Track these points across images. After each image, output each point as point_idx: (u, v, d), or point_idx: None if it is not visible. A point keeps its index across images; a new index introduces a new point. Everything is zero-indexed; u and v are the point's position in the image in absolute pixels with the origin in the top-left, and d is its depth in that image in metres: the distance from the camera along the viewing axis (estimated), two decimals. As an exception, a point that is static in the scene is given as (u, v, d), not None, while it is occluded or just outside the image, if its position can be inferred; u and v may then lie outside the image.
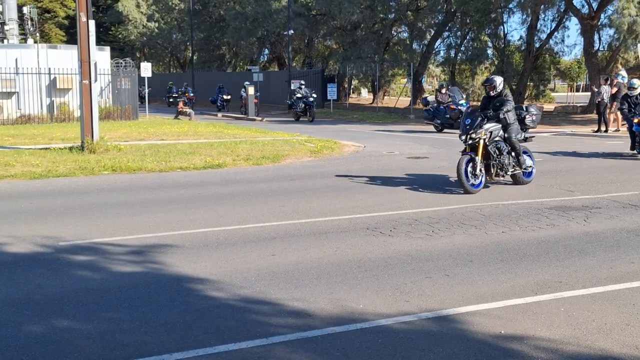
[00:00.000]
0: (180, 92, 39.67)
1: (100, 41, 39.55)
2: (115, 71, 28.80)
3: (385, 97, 45.83)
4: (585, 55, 32.74)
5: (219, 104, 39.52)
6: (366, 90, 53.65)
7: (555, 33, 36.30)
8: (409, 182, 11.57)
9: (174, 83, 45.14)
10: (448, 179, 11.90)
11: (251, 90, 32.63)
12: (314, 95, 30.05)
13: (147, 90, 45.39)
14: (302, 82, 31.64)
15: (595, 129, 22.11)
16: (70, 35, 54.32)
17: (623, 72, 23.26)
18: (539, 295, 5.47)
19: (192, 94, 38.22)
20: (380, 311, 5.12)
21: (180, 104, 31.70)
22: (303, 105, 29.57)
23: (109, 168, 12.90)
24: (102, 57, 25.81)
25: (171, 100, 41.30)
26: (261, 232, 7.73)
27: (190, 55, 54.24)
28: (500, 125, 10.90)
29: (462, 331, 4.73)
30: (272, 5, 40.80)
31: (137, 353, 4.37)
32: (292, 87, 36.51)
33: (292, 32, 37.45)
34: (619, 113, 22.01)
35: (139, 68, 31.21)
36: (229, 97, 39.30)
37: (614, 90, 21.33)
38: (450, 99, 22.95)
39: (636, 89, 15.56)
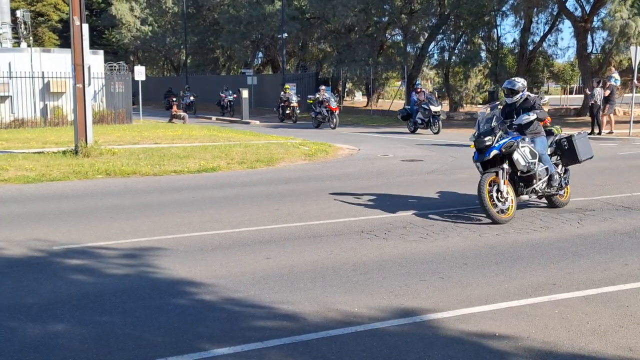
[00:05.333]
0: (314, 101, 27.68)
1: (93, 45, 39.49)
2: (108, 75, 28.74)
3: (380, 100, 45.89)
4: (578, 57, 32.86)
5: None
6: (360, 93, 53.72)
7: (549, 36, 36.44)
8: (403, 185, 11.58)
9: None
10: (441, 181, 11.92)
11: (245, 93, 32.63)
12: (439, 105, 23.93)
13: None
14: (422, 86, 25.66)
15: (589, 131, 22.17)
16: (64, 38, 54.24)
17: (616, 75, 23.35)
18: (533, 297, 5.49)
19: (335, 105, 26.60)
20: (375, 314, 5.12)
21: (174, 107, 31.66)
22: (426, 114, 23.09)
23: (103, 172, 12.87)
24: (95, 61, 25.74)
25: (288, 112, 31.07)
26: (256, 236, 7.73)
27: (184, 58, 54.24)
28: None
29: (457, 334, 4.74)
30: (266, 9, 40.82)
31: (131, 357, 4.36)
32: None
33: (286, 35, 37.46)
34: (612, 116, 22.15)
35: (132, 72, 31.17)
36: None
37: (607, 92, 21.41)
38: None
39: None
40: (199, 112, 39.71)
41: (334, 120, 26.13)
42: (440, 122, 23.27)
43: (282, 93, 31.51)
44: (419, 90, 24.00)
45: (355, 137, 22.04)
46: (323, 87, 28.64)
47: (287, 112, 30.80)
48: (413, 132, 23.68)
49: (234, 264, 6.56)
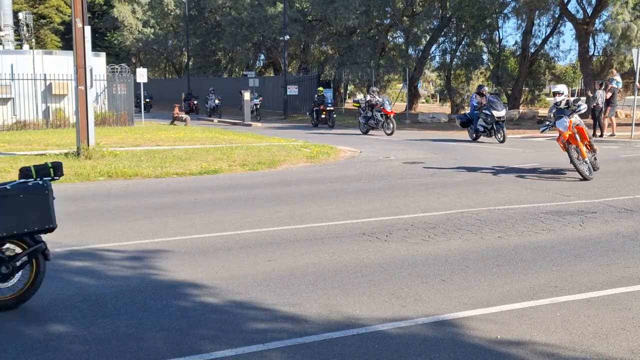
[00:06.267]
0: (362, 104, 24.41)
1: (95, 47, 39.52)
2: (110, 77, 28.80)
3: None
4: (580, 60, 32.89)
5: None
6: (362, 95, 53.76)
7: (550, 38, 36.51)
8: (404, 187, 11.58)
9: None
10: (443, 183, 11.92)
11: (247, 95, 32.65)
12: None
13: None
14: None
15: (591, 133, 22.15)
16: (66, 41, 54.37)
17: (617, 77, 23.33)
18: (535, 300, 5.48)
19: (390, 108, 23.75)
20: (377, 316, 5.12)
21: (176, 109, 31.70)
22: (488, 120, 20.01)
23: (105, 174, 12.88)
24: (97, 63, 25.80)
25: (323, 116, 28.23)
26: (257, 238, 7.73)
27: (185, 60, 54.30)
28: None
29: (458, 336, 4.73)
30: (268, 11, 40.89)
31: (133, 359, 4.36)
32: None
33: (287, 37, 37.51)
34: (613, 118, 22.13)
35: (134, 74, 31.23)
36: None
37: (609, 95, 21.40)
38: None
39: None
40: (199, 114, 39.71)
41: (391, 125, 23.13)
42: (504, 129, 20.00)
43: (315, 96, 29.68)
44: (482, 92, 21.09)
45: (357, 140, 22.05)
46: (375, 88, 25.76)
47: (323, 116, 28.38)
48: (474, 140, 20.73)
49: (236, 266, 6.56)
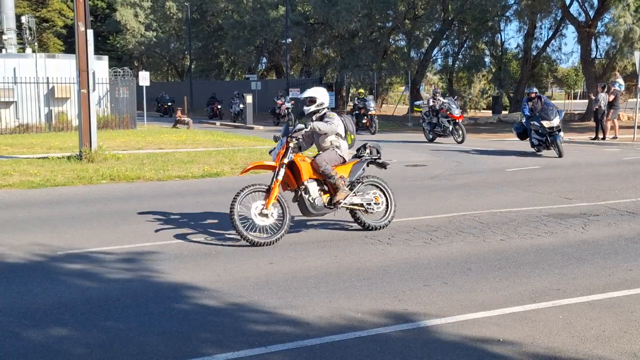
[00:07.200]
0: (424, 109, 21.99)
1: (98, 50, 39.63)
2: (113, 80, 28.84)
3: (383, 105, 45.97)
4: (582, 62, 32.90)
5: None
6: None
7: (553, 41, 36.56)
8: (406, 190, 11.57)
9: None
10: (445, 186, 11.91)
11: (249, 99, 32.65)
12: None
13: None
14: None
15: (593, 136, 22.15)
16: (69, 44, 54.51)
17: (620, 80, 23.32)
18: (537, 302, 5.47)
19: (458, 113, 20.81)
20: (379, 319, 5.12)
21: (178, 113, 31.73)
22: (540, 132, 16.85)
23: (107, 177, 12.89)
24: (100, 66, 25.85)
25: (365, 121, 25.67)
26: (259, 241, 7.71)
27: (188, 64, 54.39)
28: None
29: (460, 339, 4.73)
30: (270, 14, 40.96)
31: (135, 362, 4.37)
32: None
33: (290, 40, 37.56)
34: (616, 121, 22.11)
35: (137, 77, 31.28)
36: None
37: (611, 97, 21.38)
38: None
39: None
40: (201, 117, 39.72)
41: (460, 132, 20.20)
42: (559, 140, 16.60)
43: (355, 99, 27.04)
44: (533, 95, 17.51)
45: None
46: (438, 90, 23.41)
47: (364, 121, 25.62)
48: (537, 152, 17.23)
49: (238, 269, 6.56)
